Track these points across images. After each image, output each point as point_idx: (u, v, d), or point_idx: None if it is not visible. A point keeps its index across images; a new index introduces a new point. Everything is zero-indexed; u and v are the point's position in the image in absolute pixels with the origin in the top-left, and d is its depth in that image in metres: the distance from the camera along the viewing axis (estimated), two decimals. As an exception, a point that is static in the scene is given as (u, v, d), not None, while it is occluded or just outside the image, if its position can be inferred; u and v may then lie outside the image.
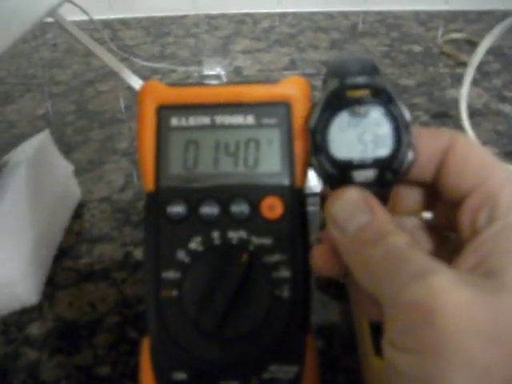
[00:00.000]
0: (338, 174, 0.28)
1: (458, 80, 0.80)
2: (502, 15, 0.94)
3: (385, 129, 0.28)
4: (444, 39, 0.95)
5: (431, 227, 0.31)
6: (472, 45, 0.93)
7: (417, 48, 0.94)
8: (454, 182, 0.27)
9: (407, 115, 0.28)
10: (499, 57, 0.88)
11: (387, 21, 1.07)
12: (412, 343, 0.22)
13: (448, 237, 0.31)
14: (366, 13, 1.11)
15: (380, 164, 0.28)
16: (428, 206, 0.31)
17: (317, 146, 0.28)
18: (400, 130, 0.28)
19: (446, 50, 0.91)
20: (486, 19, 1.05)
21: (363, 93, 0.28)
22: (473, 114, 0.68)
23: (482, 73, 0.82)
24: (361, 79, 0.29)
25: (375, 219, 0.25)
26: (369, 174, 0.27)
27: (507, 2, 1.07)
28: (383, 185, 0.28)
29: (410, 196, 0.31)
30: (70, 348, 0.42)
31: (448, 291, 0.21)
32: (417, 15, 1.09)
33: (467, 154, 0.27)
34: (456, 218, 0.27)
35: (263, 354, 0.30)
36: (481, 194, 0.26)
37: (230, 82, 0.62)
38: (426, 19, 1.07)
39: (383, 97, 0.28)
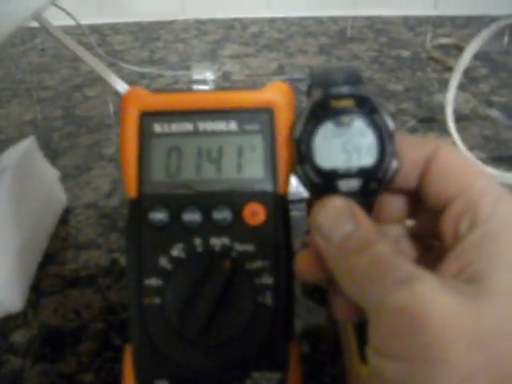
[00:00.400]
0: (323, 184, 0.28)
1: (445, 85, 0.80)
2: (490, 20, 0.95)
3: (369, 138, 0.28)
4: (432, 44, 0.95)
5: (414, 235, 0.31)
6: (460, 50, 0.94)
7: (405, 53, 0.94)
8: (436, 190, 0.27)
9: (391, 125, 0.28)
10: (487, 62, 0.88)
11: (376, 26, 1.07)
12: (397, 349, 0.22)
13: (431, 245, 0.31)
14: (354, 18, 1.11)
15: (364, 173, 0.28)
16: (411, 214, 0.31)
17: (301, 156, 0.28)
18: (384, 139, 0.28)
19: (434, 55, 0.91)
20: (474, 24, 1.05)
21: (347, 103, 0.28)
22: (460, 118, 0.69)
23: (470, 78, 0.82)
24: (345, 89, 0.29)
25: (360, 228, 0.26)
26: (353, 184, 0.28)
27: (495, 8, 1.07)
28: (368, 194, 0.28)
29: (394, 204, 0.31)
30: (54, 355, 0.42)
31: (433, 297, 0.22)
32: (405, 20, 1.09)
33: (450, 162, 0.27)
34: (439, 226, 0.27)
35: (246, 360, 0.30)
36: (462, 202, 0.26)
37: (214, 89, 0.62)
38: (414, 24, 1.07)
39: (367, 107, 0.28)
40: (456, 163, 0.27)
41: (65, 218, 0.57)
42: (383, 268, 0.24)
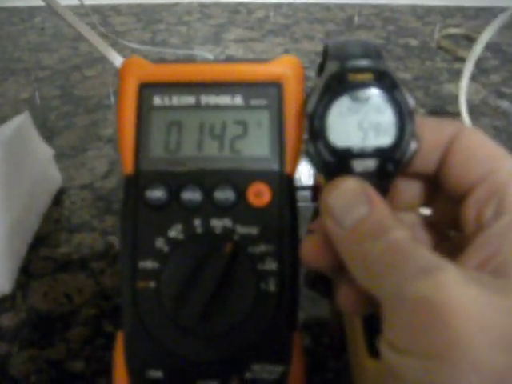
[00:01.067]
0: (336, 163, 0.26)
1: (455, 75, 0.79)
2: (499, 11, 0.93)
3: (387, 116, 0.26)
4: (441, 34, 0.93)
5: (430, 224, 0.29)
6: (470, 40, 0.92)
7: (413, 42, 0.92)
8: (458, 174, 0.26)
9: (411, 102, 0.26)
10: (497, 53, 0.87)
11: (384, 14, 1.05)
12: (415, 344, 0.20)
13: (447, 234, 0.29)
14: (362, 5, 1.09)
15: (381, 154, 0.26)
16: (427, 201, 0.29)
17: (314, 132, 0.26)
18: (403, 117, 0.26)
19: (444, 45, 0.89)
20: (483, 15, 1.04)
21: (366, 77, 0.26)
22: (471, 109, 0.67)
23: (480, 69, 0.80)
24: (363, 62, 0.27)
25: (375, 212, 0.24)
26: (369, 164, 0.26)
27: (505, -1, 1.05)
28: (383, 176, 0.26)
29: (409, 190, 0.29)
30: (43, 341, 0.40)
31: (457, 289, 0.20)
32: (414, 9, 1.07)
33: (473, 144, 0.26)
34: (459, 213, 0.25)
35: (246, 351, 0.28)
36: (487, 187, 0.24)
37: (218, 60, 0.60)
38: (423, 13, 1.05)
39: (386, 82, 0.26)
40: (480, 145, 0.26)
41: (59, 198, 0.55)
42: (402, 255, 0.22)
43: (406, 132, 0.26)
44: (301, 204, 0.29)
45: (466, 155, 0.25)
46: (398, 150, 0.26)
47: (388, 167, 0.26)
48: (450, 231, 0.29)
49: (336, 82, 0.26)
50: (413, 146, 0.26)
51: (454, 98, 0.72)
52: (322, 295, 0.43)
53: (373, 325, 0.35)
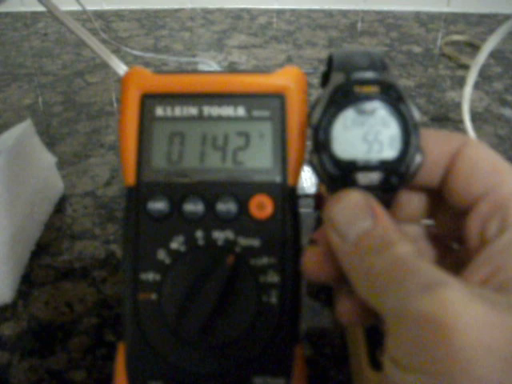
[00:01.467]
0: (340, 175, 0.26)
1: (458, 82, 0.79)
2: (503, 18, 0.93)
3: (393, 129, 0.26)
4: (445, 41, 0.93)
5: (432, 236, 0.29)
6: (473, 47, 0.92)
7: (417, 49, 0.92)
8: (462, 187, 0.25)
9: (417, 115, 0.26)
10: (501, 60, 0.86)
11: (387, 21, 1.05)
12: (419, 361, 0.20)
13: (450, 247, 0.29)
14: (365, 12, 1.09)
15: (386, 167, 0.25)
16: (430, 214, 0.29)
17: (319, 144, 0.26)
18: (409, 130, 0.26)
19: (447, 52, 0.89)
20: (487, 22, 1.03)
21: (372, 89, 0.26)
22: (473, 117, 0.67)
23: (483, 76, 0.80)
24: (369, 74, 0.26)
25: (378, 225, 0.23)
26: (373, 177, 0.25)
27: (509, 6, 1.05)
28: (388, 189, 0.26)
29: (412, 202, 0.29)
30: (43, 350, 0.40)
31: (462, 305, 0.19)
32: (417, 16, 1.07)
33: (477, 158, 0.25)
34: (462, 227, 0.25)
35: (247, 364, 0.28)
36: (491, 202, 0.24)
37: (221, 71, 0.60)
38: (426, 20, 1.05)
39: (392, 94, 0.26)
40: (484, 160, 0.25)
41: (61, 206, 0.55)
42: (405, 271, 0.21)
43: (411, 145, 0.26)
44: (303, 211, 0.29)
45: (470, 169, 0.25)
46: (402, 163, 0.26)
47: (392, 180, 0.26)
48: (453, 244, 0.29)
49: (342, 94, 0.26)
50: (418, 159, 0.26)
51: (457, 106, 0.72)
52: (324, 305, 0.43)
53: (375, 336, 0.35)
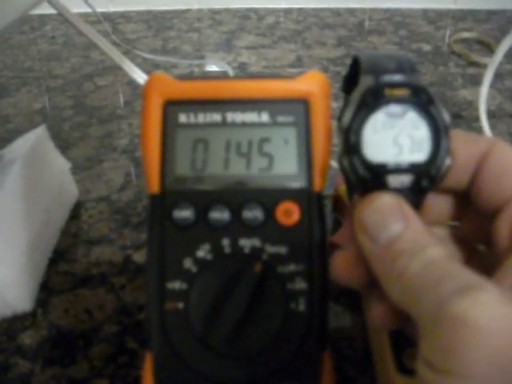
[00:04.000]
0: (371, 178, 0.25)
1: (469, 80, 0.78)
2: (511, 15, 0.92)
3: (423, 131, 0.26)
4: (454, 38, 0.93)
5: (459, 239, 0.29)
6: (482, 45, 0.91)
7: (426, 47, 0.91)
8: (490, 189, 0.25)
9: (447, 118, 0.26)
10: (512, 57, 0.86)
11: (395, 19, 1.04)
12: (455, 364, 0.20)
13: (475, 249, 0.29)
14: (373, 10, 1.08)
15: (416, 169, 0.25)
16: (457, 216, 0.29)
17: (350, 147, 0.26)
18: (439, 133, 0.25)
19: (457, 50, 0.88)
20: (495, 19, 1.03)
21: (402, 92, 0.26)
22: (486, 115, 0.66)
23: (495, 74, 0.79)
24: (399, 77, 0.26)
25: (410, 229, 0.23)
26: (404, 180, 0.25)
27: (517, 2, 1.04)
28: (418, 192, 0.25)
29: (439, 204, 0.29)
30: (65, 359, 0.40)
31: (498, 309, 0.19)
32: (425, 13, 1.06)
33: (506, 160, 0.25)
34: (491, 229, 0.25)
35: (275, 372, 0.28)
36: None
37: (243, 76, 0.59)
38: (434, 18, 1.04)
39: (423, 97, 0.26)
40: None
41: (76, 212, 0.54)
42: (439, 274, 0.21)
43: (442, 148, 0.25)
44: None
45: (499, 171, 0.25)
46: (433, 166, 0.25)
47: (423, 183, 0.25)
48: (480, 246, 0.29)
49: (372, 96, 0.26)
50: (447, 161, 0.25)
51: (469, 104, 0.72)
52: (345, 308, 0.43)
53: (400, 340, 0.34)
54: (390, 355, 0.34)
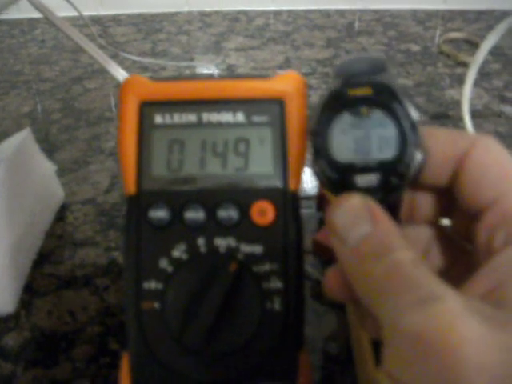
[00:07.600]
0: (340, 179, 0.25)
1: (457, 80, 0.79)
2: (501, 15, 0.93)
3: (389, 129, 0.25)
4: (443, 38, 0.93)
5: (448, 237, 0.28)
6: (471, 45, 0.92)
7: (415, 47, 0.92)
8: (470, 192, 0.25)
9: (414, 114, 0.25)
10: (499, 57, 0.86)
11: (384, 19, 1.04)
12: (411, 378, 0.19)
13: (465, 247, 0.28)
14: (362, 11, 1.08)
15: (384, 167, 0.25)
16: (445, 214, 0.28)
17: (317, 150, 0.26)
18: (405, 130, 0.25)
19: (445, 50, 0.89)
20: (484, 19, 1.03)
21: (365, 91, 0.26)
22: (473, 114, 0.66)
23: (482, 73, 0.80)
24: (363, 77, 0.26)
25: (377, 230, 0.23)
26: (372, 179, 0.25)
27: (506, 2, 1.05)
28: (389, 190, 0.25)
29: (427, 202, 0.28)
30: (47, 360, 0.40)
31: (455, 321, 0.19)
32: (414, 14, 1.06)
33: (486, 162, 0.24)
34: (473, 232, 0.24)
35: (252, 371, 0.28)
36: (498, 211, 0.23)
37: (219, 77, 0.59)
38: (423, 18, 1.05)
39: (386, 95, 0.26)
40: (493, 164, 0.24)
41: (61, 214, 0.54)
42: (400, 281, 0.21)
43: (409, 145, 0.25)
44: (305, 212, 0.28)
45: (478, 174, 0.24)
46: (401, 164, 0.25)
47: (392, 181, 0.25)
48: (468, 245, 0.28)
49: (336, 98, 0.26)
50: (418, 158, 0.25)
51: (457, 104, 0.72)
52: (328, 307, 0.43)
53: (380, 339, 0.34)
54: (370, 351, 0.34)
